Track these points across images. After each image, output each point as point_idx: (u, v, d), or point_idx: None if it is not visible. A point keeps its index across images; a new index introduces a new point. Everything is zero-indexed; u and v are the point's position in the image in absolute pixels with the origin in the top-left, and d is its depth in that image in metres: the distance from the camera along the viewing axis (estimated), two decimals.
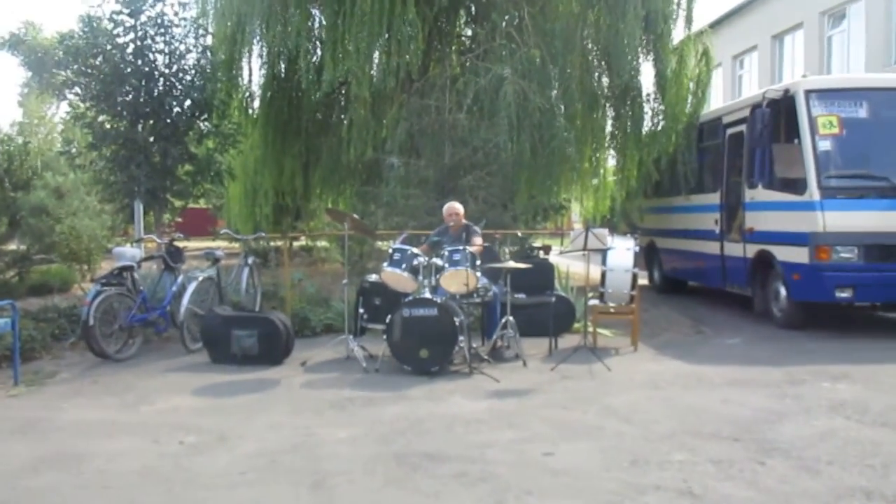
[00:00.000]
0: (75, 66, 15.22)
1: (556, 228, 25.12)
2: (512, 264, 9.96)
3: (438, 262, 9.66)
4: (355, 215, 10.68)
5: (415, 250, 9.79)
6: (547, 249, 12.80)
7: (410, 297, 9.50)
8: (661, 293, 17.44)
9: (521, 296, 10.95)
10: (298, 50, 15.50)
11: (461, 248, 9.60)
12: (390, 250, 9.87)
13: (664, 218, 17.38)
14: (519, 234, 13.64)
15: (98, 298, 10.30)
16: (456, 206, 10.60)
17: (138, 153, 14.73)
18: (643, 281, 15.19)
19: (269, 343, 10.08)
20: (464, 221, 10.57)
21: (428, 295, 9.46)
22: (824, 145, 11.89)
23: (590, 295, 11.50)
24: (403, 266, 9.60)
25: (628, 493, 5.51)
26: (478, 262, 9.64)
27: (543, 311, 10.93)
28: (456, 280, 9.48)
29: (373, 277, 10.67)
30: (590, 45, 16.82)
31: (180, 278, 11.58)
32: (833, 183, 11.70)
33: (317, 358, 10.33)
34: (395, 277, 9.70)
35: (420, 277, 9.66)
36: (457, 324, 9.21)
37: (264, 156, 19.50)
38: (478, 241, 10.19)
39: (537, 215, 20.34)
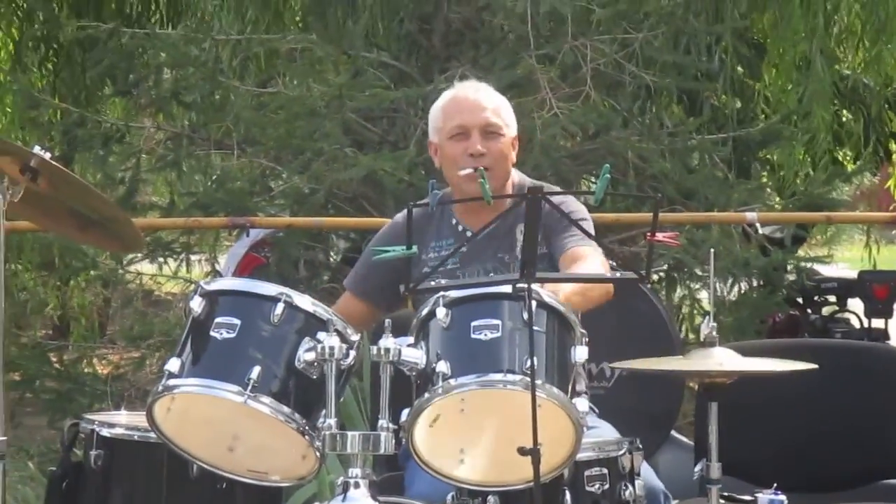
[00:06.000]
0: None
1: None
2: (752, 365, 2.52)
3: (409, 353, 2.16)
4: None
5: (310, 303, 2.23)
6: None
7: None
8: None
9: None
10: None
11: (507, 278, 2.24)
12: (196, 300, 2.22)
13: None
14: (759, 229, 5.16)
15: None
16: (479, 103, 2.71)
17: None
18: None
19: None
20: (516, 177, 2.79)
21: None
22: None
23: None
24: (254, 377, 2.10)
25: None
26: (581, 345, 2.17)
27: None
28: (492, 431, 2.19)
29: (112, 423, 2.46)
30: None
31: None
32: None
33: None
34: (220, 425, 2.20)
35: (324, 420, 2.14)
36: None
37: None
38: (583, 251, 2.56)
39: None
